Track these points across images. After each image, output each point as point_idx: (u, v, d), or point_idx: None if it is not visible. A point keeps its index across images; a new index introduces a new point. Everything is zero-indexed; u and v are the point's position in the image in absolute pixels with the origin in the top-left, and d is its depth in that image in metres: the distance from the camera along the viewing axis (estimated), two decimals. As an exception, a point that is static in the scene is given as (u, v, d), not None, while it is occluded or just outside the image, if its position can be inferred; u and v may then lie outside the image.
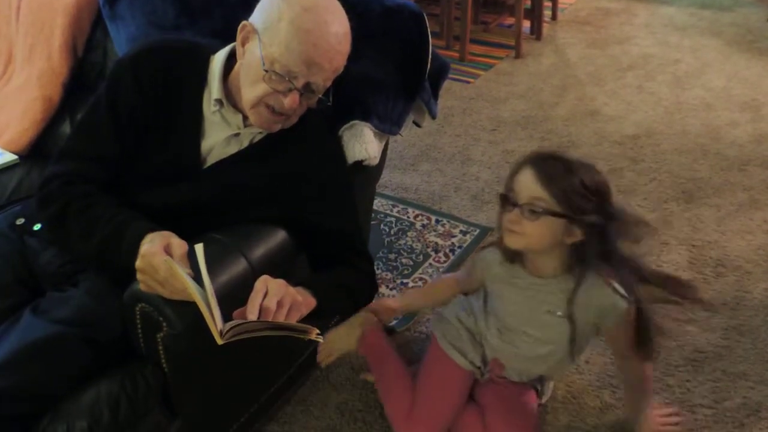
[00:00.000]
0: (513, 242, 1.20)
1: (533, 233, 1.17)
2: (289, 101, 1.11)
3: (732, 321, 1.76)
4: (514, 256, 1.29)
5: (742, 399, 1.54)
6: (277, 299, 1.00)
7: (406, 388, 1.42)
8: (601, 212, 1.16)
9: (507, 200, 1.19)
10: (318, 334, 0.99)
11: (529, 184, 1.16)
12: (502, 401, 1.37)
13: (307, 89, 1.12)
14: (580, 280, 1.20)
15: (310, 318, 1.07)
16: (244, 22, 1.14)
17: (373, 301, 1.47)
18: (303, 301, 1.05)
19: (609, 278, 1.20)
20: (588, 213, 1.15)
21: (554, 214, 1.14)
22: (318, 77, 1.11)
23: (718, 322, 1.75)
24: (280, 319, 0.99)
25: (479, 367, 1.39)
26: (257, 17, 1.13)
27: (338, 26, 1.11)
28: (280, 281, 1.03)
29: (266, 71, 1.09)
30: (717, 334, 1.72)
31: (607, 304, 1.22)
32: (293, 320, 1.02)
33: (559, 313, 1.24)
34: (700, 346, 1.68)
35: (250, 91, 1.13)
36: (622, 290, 1.20)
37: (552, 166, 1.16)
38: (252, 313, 0.97)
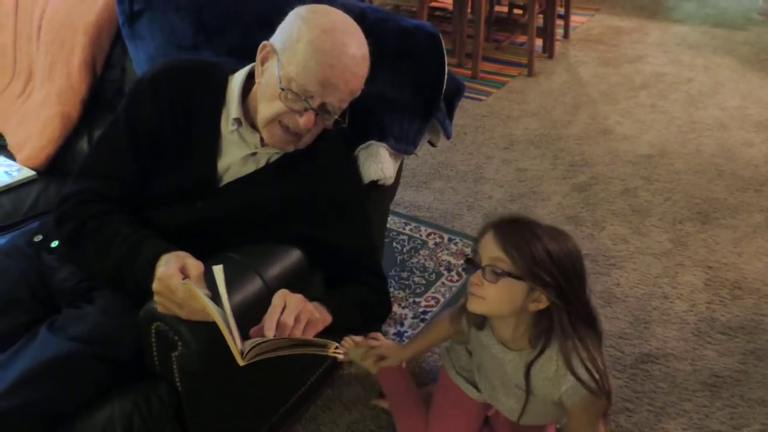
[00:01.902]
0: (475, 306, 1.15)
1: (494, 296, 1.11)
2: (304, 121, 1.11)
3: (749, 345, 1.73)
4: (482, 322, 1.25)
5: (761, 426, 1.51)
6: (294, 314, 1.00)
7: (422, 418, 1.41)
8: (562, 289, 1.09)
9: (472, 263, 1.15)
10: (336, 349, 0.99)
11: (490, 246, 1.11)
12: (516, 427, 1.35)
13: (322, 110, 1.13)
14: (538, 354, 1.15)
15: (323, 334, 1.07)
16: (264, 42, 1.15)
17: (386, 346, 1.47)
18: (320, 317, 1.05)
19: (580, 354, 1.12)
20: (549, 281, 1.08)
21: (513, 275, 1.09)
22: (333, 98, 1.12)
23: (736, 346, 1.73)
24: (297, 334, 0.99)
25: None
26: (277, 38, 1.14)
27: (356, 49, 1.12)
28: (299, 296, 1.03)
29: (282, 90, 1.10)
30: (734, 358, 1.69)
31: (566, 385, 1.14)
32: (309, 336, 1.02)
33: (523, 387, 1.18)
34: (718, 371, 1.65)
35: (266, 108, 1.14)
36: (586, 372, 1.11)
37: (515, 231, 1.11)
38: (269, 328, 0.97)
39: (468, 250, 2.10)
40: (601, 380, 1.12)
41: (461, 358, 1.38)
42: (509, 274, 1.09)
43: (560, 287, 1.09)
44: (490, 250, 1.11)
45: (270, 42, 1.15)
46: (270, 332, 0.97)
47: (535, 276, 1.08)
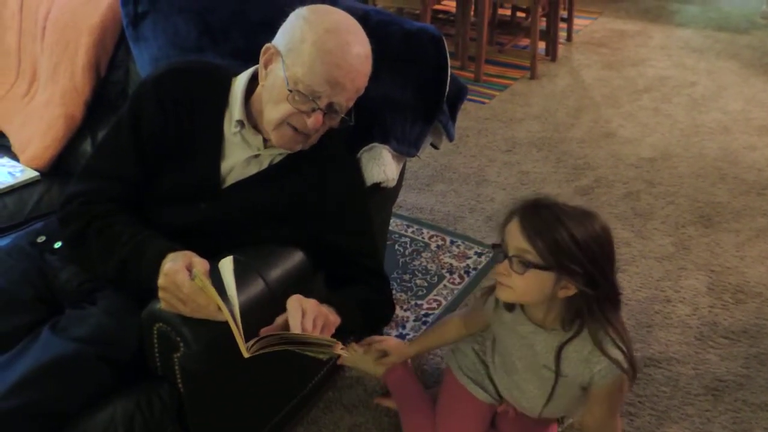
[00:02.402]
0: (503, 295, 1.16)
1: (522, 286, 1.11)
2: (313, 121, 1.12)
3: (752, 349, 1.73)
4: (512, 304, 1.24)
5: (764, 430, 1.50)
6: (312, 318, 1.01)
7: (429, 417, 1.41)
8: (590, 275, 1.08)
9: (498, 249, 1.15)
10: (342, 348, 1.00)
11: (516, 234, 1.11)
12: (522, 428, 1.35)
13: (330, 109, 1.13)
14: (573, 336, 1.15)
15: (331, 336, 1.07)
16: (267, 45, 1.15)
17: (390, 342, 1.48)
18: (333, 320, 1.06)
19: (614, 336, 1.13)
20: (576, 269, 1.07)
21: (540, 267, 1.08)
22: (341, 97, 1.13)
23: (739, 350, 1.72)
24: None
25: (497, 399, 1.37)
26: (280, 40, 1.15)
27: (360, 47, 1.13)
28: (313, 301, 1.04)
29: (290, 91, 1.10)
30: (737, 362, 1.69)
31: (600, 365, 1.15)
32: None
33: (553, 368, 1.19)
34: (720, 375, 1.65)
35: (274, 111, 1.14)
36: (621, 353, 1.13)
37: (540, 217, 1.10)
38: (296, 329, 0.98)
39: (470, 253, 2.10)
40: (631, 358, 1.13)
41: (467, 359, 1.38)
42: (536, 266, 1.09)
43: (588, 274, 1.08)
44: (516, 240, 1.11)
45: (273, 44, 1.15)
46: (297, 331, 0.98)
47: (562, 266, 1.08)
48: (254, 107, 1.19)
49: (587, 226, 1.09)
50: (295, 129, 1.14)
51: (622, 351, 1.13)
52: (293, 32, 1.12)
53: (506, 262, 1.11)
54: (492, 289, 1.25)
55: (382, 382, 1.54)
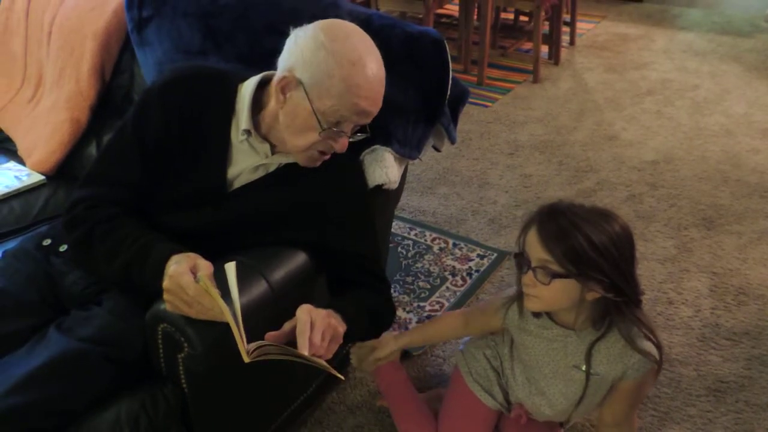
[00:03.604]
0: (532, 306, 1.17)
1: (549, 296, 1.12)
2: (340, 146, 1.16)
3: (754, 351, 1.73)
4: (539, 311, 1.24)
5: (766, 431, 1.50)
6: (321, 331, 1.01)
7: (424, 422, 1.41)
8: (612, 276, 1.08)
9: (521, 258, 1.15)
10: (337, 371, 1.01)
11: (535, 246, 1.11)
12: (526, 430, 1.35)
13: (353, 131, 1.17)
14: (604, 334, 1.16)
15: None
16: (284, 73, 1.13)
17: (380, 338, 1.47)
18: (341, 331, 1.07)
19: (642, 330, 1.14)
20: (597, 275, 1.07)
21: (562, 276, 1.08)
22: (365, 120, 1.17)
23: (741, 351, 1.73)
24: (322, 352, 1.01)
25: (506, 407, 1.36)
26: (300, 69, 1.12)
27: (379, 70, 1.15)
28: (323, 312, 1.05)
29: (320, 125, 1.12)
30: (739, 364, 1.69)
31: (633, 359, 1.17)
32: (332, 352, 1.04)
33: (584, 368, 1.20)
34: (722, 376, 1.65)
35: (300, 139, 1.15)
36: (652, 346, 1.15)
37: (557, 224, 1.09)
38: (303, 347, 0.98)
39: (473, 256, 2.11)
40: (661, 347, 1.15)
41: (478, 364, 1.37)
42: (558, 275, 1.09)
43: (609, 278, 1.08)
44: (536, 250, 1.11)
45: (290, 71, 1.12)
46: (305, 350, 0.98)
47: (582, 273, 1.08)
48: (264, 122, 1.20)
49: (605, 228, 1.08)
50: (322, 152, 1.18)
51: (654, 342, 1.14)
52: (318, 64, 1.10)
53: (530, 273, 1.11)
54: (514, 299, 1.25)
55: (376, 384, 1.54)
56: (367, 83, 1.12)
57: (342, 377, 1.04)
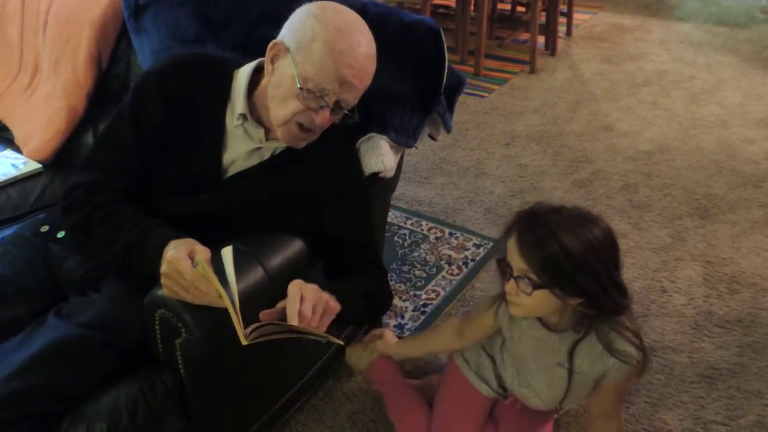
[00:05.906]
0: (516, 312, 1.16)
1: (531, 304, 1.11)
2: (320, 118, 1.14)
3: (746, 338, 1.75)
4: None
5: (757, 417, 1.53)
6: (312, 304, 1.02)
7: (419, 413, 1.42)
8: (587, 287, 1.06)
9: (504, 266, 1.14)
10: (336, 339, 1.02)
11: (514, 255, 1.09)
12: (520, 416, 1.37)
13: (337, 106, 1.16)
14: (583, 336, 1.16)
15: (332, 324, 1.09)
16: (274, 41, 1.16)
17: (386, 331, 1.49)
18: (334, 305, 1.08)
19: (623, 334, 1.14)
20: (570, 287, 1.06)
21: (541, 287, 1.07)
22: (349, 95, 1.15)
23: (733, 339, 1.75)
24: (314, 324, 1.02)
25: (501, 394, 1.38)
26: (288, 37, 1.15)
27: (368, 47, 1.15)
28: (314, 286, 1.06)
29: (300, 89, 1.12)
30: (731, 351, 1.71)
31: (613, 360, 1.16)
32: (325, 325, 1.05)
33: (567, 366, 1.20)
34: (714, 363, 1.67)
35: (282, 108, 1.15)
36: (632, 347, 1.14)
37: (535, 233, 1.07)
38: (292, 318, 1.00)
39: (469, 245, 2.12)
40: (643, 349, 1.14)
41: (473, 352, 1.39)
42: (539, 286, 1.08)
43: (585, 291, 1.07)
44: (516, 260, 1.09)
45: (280, 40, 1.15)
46: (294, 322, 0.99)
47: (556, 284, 1.06)
48: (258, 101, 1.21)
49: (585, 235, 1.05)
50: (301, 126, 1.16)
51: (634, 344, 1.14)
52: (304, 30, 1.13)
53: (512, 282, 1.11)
54: (501, 297, 1.24)
55: (370, 379, 1.55)
56: (351, 51, 1.11)
57: (341, 342, 1.04)
